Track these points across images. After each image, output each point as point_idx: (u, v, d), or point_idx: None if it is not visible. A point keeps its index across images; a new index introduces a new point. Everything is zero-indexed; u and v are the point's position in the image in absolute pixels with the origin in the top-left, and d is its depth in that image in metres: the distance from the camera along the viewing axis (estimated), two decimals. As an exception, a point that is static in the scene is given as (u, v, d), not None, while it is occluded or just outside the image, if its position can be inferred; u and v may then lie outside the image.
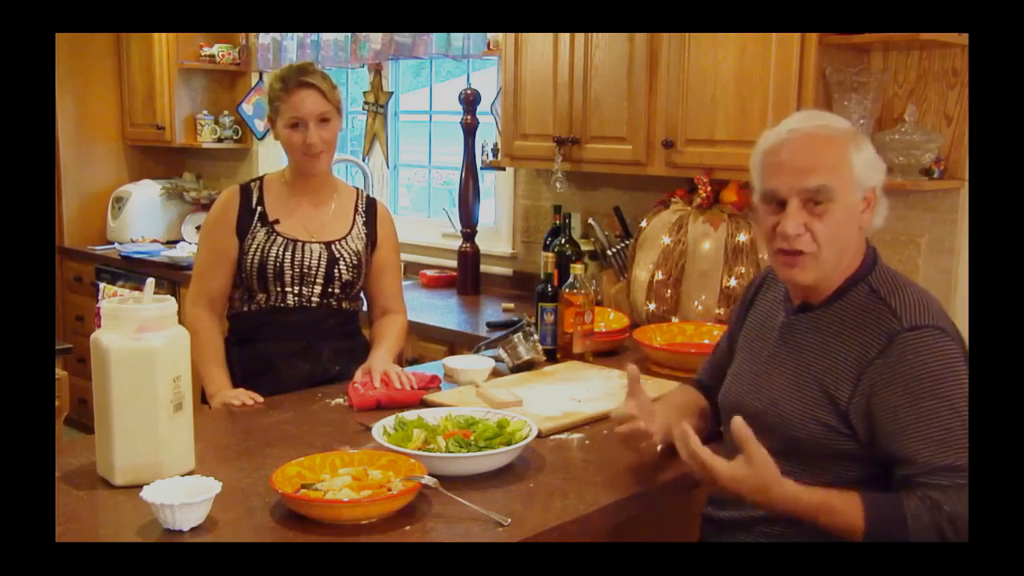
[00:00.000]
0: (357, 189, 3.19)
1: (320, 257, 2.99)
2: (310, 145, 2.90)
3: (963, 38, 3.28)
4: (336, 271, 3.00)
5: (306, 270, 2.97)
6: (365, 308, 3.21)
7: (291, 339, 3.00)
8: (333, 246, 3.01)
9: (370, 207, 3.14)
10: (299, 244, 2.97)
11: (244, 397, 2.75)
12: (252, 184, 3.06)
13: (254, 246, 2.96)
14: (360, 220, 3.10)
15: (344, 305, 3.08)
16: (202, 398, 2.93)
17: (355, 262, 3.04)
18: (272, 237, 2.96)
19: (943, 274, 3.42)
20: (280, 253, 2.95)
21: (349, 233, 3.05)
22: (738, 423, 1.90)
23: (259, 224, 2.98)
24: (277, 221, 2.99)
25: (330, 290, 3.02)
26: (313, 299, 3.01)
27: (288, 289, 2.98)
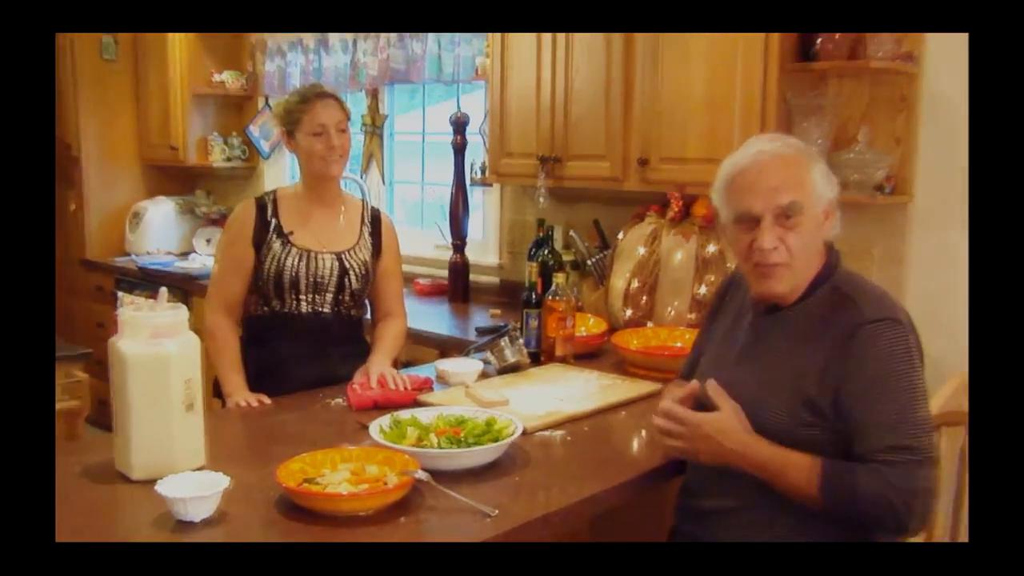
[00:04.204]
0: (363, 201, 3.19)
1: (332, 267, 2.98)
2: (332, 148, 2.93)
3: (909, 67, 3.29)
4: (347, 280, 3.00)
5: (319, 279, 2.97)
6: (368, 315, 3.20)
7: (303, 343, 2.99)
8: (343, 256, 3.01)
9: (375, 218, 3.14)
10: (312, 255, 2.97)
11: (252, 399, 2.75)
12: (266, 197, 3.05)
13: (271, 257, 2.95)
14: (366, 231, 3.09)
15: (352, 312, 3.08)
16: (215, 392, 2.94)
17: (363, 272, 3.04)
18: (287, 248, 2.96)
19: (893, 282, 3.41)
20: (295, 263, 2.95)
21: (357, 243, 3.05)
22: (712, 385, 2.05)
23: (274, 236, 2.97)
24: (291, 233, 2.98)
25: (341, 298, 3.02)
26: (325, 307, 3.00)
27: (302, 297, 2.97)
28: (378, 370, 2.79)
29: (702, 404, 2.10)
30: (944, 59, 3.31)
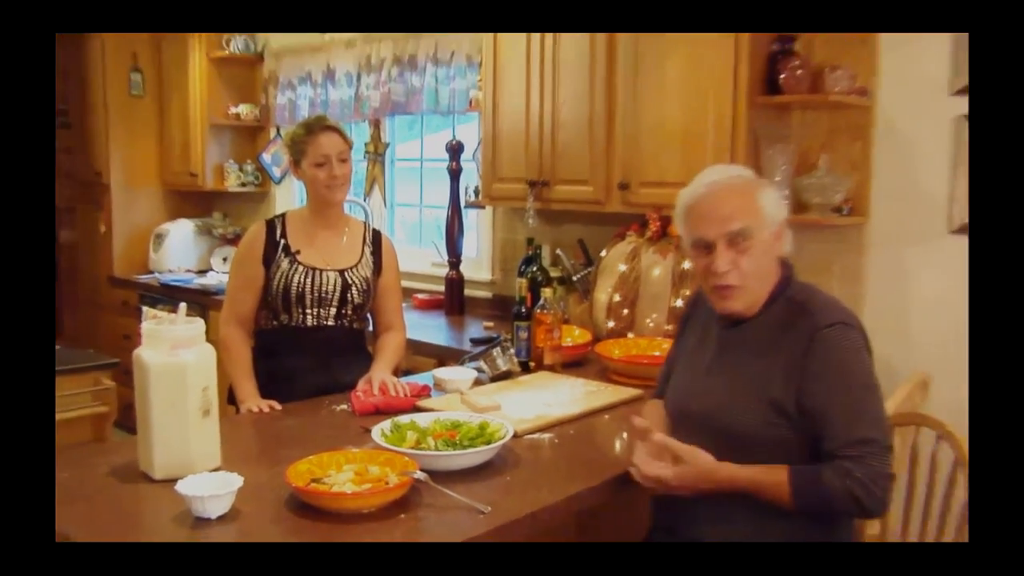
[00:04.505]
0: (364, 223, 3.19)
1: (335, 284, 2.97)
2: (335, 177, 2.93)
3: (863, 100, 3.31)
4: (349, 295, 2.99)
5: (323, 295, 2.96)
6: (371, 327, 3.19)
7: (309, 354, 2.98)
8: (346, 273, 3.00)
9: (376, 238, 3.13)
10: (317, 272, 2.96)
11: (264, 405, 2.74)
12: (276, 220, 3.05)
13: (279, 274, 2.94)
14: (368, 250, 3.08)
15: (355, 325, 3.07)
16: (229, 398, 2.92)
17: (364, 287, 3.03)
18: (294, 266, 2.95)
19: (852, 296, 3.42)
20: (302, 280, 2.94)
21: (359, 262, 3.04)
22: (659, 437, 2.01)
23: (283, 255, 2.97)
24: (299, 252, 2.97)
25: (343, 312, 3.00)
26: (329, 320, 2.99)
27: (308, 311, 2.96)
28: (380, 378, 2.78)
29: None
30: (894, 93, 3.34)
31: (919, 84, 3.27)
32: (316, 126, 2.96)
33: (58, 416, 3.44)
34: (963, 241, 3.20)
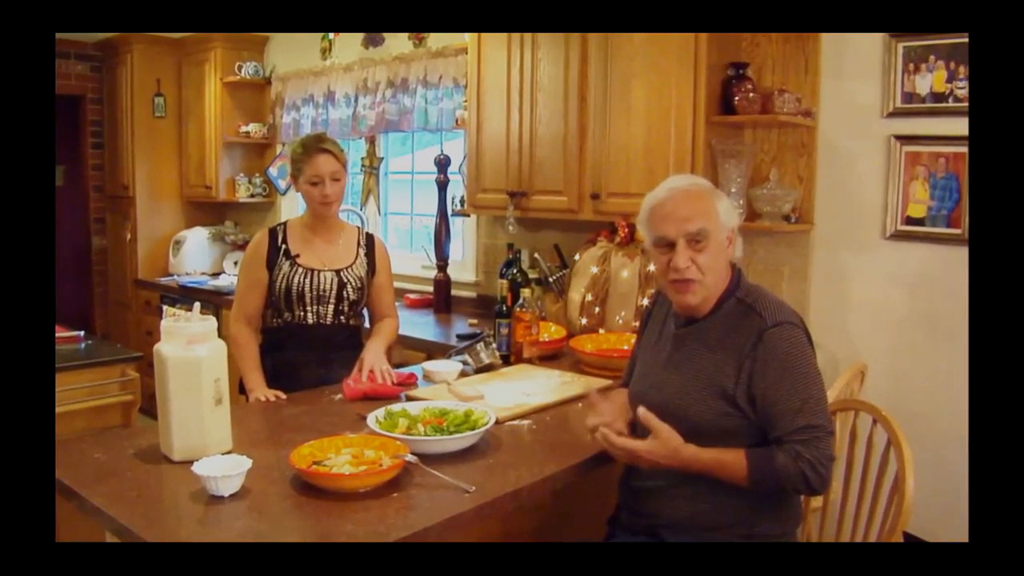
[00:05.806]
0: (359, 227, 3.18)
1: (332, 283, 2.97)
2: (326, 195, 2.92)
3: (808, 121, 3.33)
4: (345, 293, 2.98)
5: (322, 293, 2.95)
6: (367, 324, 3.18)
7: (310, 349, 2.97)
8: (342, 273, 2.99)
9: (369, 241, 3.12)
10: (316, 273, 2.95)
11: (270, 395, 2.73)
12: (278, 227, 3.04)
13: (281, 275, 2.93)
14: (362, 252, 3.08)
15: (351, 322, 3.06)
16: (240, 389, 2.91)
17: (359, 286, 3.02)
18: (295, 268, 2.94)
19: (799, 294, 3.45)
20: (302, 280, 2.93)
21: (354, 263, 3.04)
22: (642, 411, 1.98)
23: (284, 258, 2.96)
24: (298, 255, 2.96)
25: (340, 308, 3.00)
26: (327, 317, 2.98)
27: (308, 309, 2.95)
28: (371, 360, 2.77)
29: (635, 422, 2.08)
30: (833, 115, 3.36)
31: (855, 108, 3.29)
32: (313, 147, 2.94)
33: (91, 403, 3.46)
34: (895, 246, 3.23)
